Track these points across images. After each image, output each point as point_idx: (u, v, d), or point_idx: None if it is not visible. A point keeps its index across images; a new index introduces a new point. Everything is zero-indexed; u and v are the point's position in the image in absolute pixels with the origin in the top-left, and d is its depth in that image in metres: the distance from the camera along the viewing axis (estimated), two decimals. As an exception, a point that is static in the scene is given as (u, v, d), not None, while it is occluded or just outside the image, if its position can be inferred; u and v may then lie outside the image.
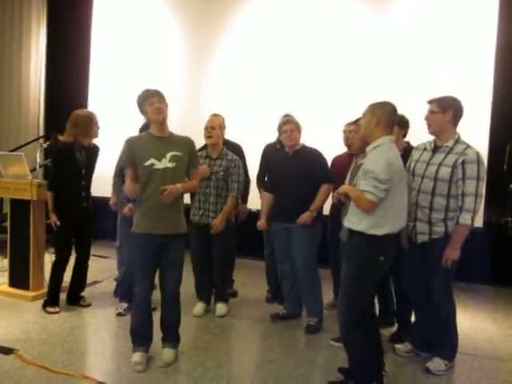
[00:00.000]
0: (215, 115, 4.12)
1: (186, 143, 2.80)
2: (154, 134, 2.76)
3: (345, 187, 2.67)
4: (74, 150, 3.58)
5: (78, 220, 3.63)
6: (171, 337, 2.89)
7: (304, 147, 3.50)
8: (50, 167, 3.72)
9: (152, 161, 2.68)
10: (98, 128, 3.71)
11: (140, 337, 2.84)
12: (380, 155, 2.44)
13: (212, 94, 5.57)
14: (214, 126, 3.64)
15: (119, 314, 3.61)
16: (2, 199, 5.49)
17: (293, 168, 3.41)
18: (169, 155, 2.71)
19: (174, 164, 2.71)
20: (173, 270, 2.80)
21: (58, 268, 3.61)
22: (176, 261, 2.80)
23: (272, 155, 3.97)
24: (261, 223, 3.65)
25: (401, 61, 4.88)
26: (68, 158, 3.56)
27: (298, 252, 3.43)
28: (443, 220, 2.76)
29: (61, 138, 3.71)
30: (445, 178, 2.73)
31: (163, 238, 2.72)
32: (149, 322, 2.86)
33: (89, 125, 3.61)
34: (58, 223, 3.55)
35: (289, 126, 3.43)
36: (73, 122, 3.58)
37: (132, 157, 2.72)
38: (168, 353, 2.85)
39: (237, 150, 4.08)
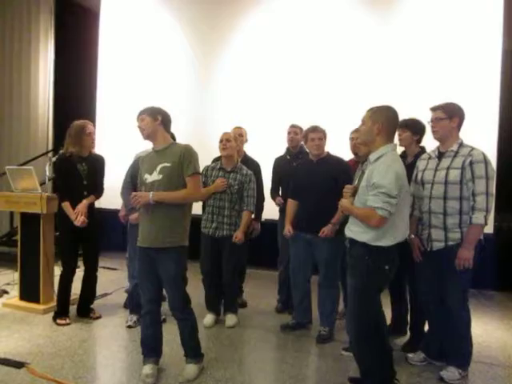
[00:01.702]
0: (238, 127, 4.16)
1: (178, 153, 2.68)
2: (154, 149, 2.79)
3: (346, 207, 2.55)
4: (75, 161, 3.57)
5: (82, 230, 3.59)
6: (189, 352, 2.86)
7: (329, 155, 3.47)
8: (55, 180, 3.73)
9: (145, 175, 2.73)
10: (92, 140, 3.63)
11: (148, 348, 2.83)
12: (387, 168, 2.38)
13: (220, 107, 5.59)
14: (229, 139, 3.64)
15: (129, 327, 3.61)
16: (12, 213, 5.54)
17: (317, 176, 3.37)
18: (159, 167, 2.68)
19: (161, 176, 2.66)
20: (168, 285, 2.72)
21: (65, 279, 3.61)
22: (169, 276, 2.68)
23: (283, 167, 3.98)
24: (287, 230, 3.55)
25: (408, 67, 4.88)
26: (69, 169, 3.56)
27: (322, 265, 3.40)
28: (459, 225, 2.74)
29: (61, 150, 3.71)
30: (455, 181, 2.72)
31: (152, 251, 2.68)
32: (155, 334, 2.83)
33: (80, 135, 3.56)
34: (86, 220, 3.54)
35: (317, 134, 3.39)
36: (68, 133, 3.62)
37: (136, 172, 2.81)
38: (188, 368, 2.82)
39: (255, 167, 4.08)
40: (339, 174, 3.32)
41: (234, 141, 3.67)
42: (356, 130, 3.63)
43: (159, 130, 2.74)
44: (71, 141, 3.58)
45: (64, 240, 3.63)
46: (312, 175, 3.41)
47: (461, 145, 2.80)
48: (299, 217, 3.49)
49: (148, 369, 2.76)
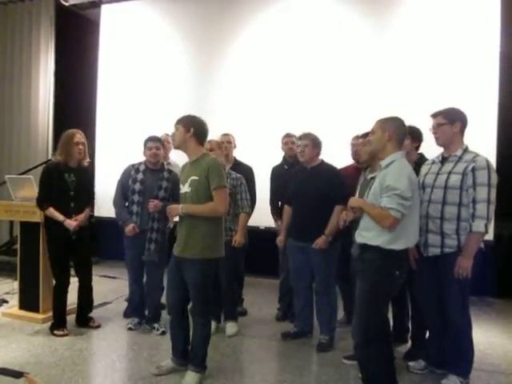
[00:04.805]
0: (226, 135, 4.17)
1: (204, 165, 2.74)
2: (189, 160, 2.87)
3: (358, 202, 2.62)
4: (62, 170, 3.49)
5: (70, 242, 3.54)
6: (193, 358, 2.86)
7: (322, 163, 3.47)
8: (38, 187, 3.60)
9: (181, 186, 2.84)
10: (79, 150, 3.51)
11: (173, 347, 2.98)
12: (400, 172, 2.45)
13: (218, 115, 5.57)
14: (212, 148, 3.60)
15: (129, 329, 3.67)
16: (12, 222, 5.53)
17: (309, 184, 3.38)
18: (189, 180, 2.76)
19: (190, 188, 2.75)
20: (192, 291, 2.82)
21: (58, 291, 3.57)
22: (193, 284, 2.79)
23: (280, 175, 4.00)
24: (280, 240, 3.61)
25: (405, 74, 4.89)
26: (55, 179, 3.48)
27: (317, 272, 3.40)
28: (456, 231, 2.71)
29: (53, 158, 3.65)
30: (455, 186, 2.70)
31: (178, 259, 2.82)
32: (176, 336, 2.95)
33: (68, 144, 3.49)
34: (75, 224, 3.47)
35: (304, 141, 3.41)
36: (59, 141, 3.58)
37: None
38: (188, 376, 2.82)
39: (248, 171, 4.10)
40: (329, 183, 3.33)
41: (217, 149, 3.62)
42: (357, 137, 3.65)
43: (191, 141, 2.78)
44: (59, 148, 3.54)
45: (54, 253, 3.56)
46: (305, 183, 3.42)
47: (465, 150, 2.77)
48: (293, 225, 3.51)
49: (164, 363, 2.96)
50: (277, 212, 4.10)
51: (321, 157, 3.53)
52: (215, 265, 2.86)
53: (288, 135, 4.14)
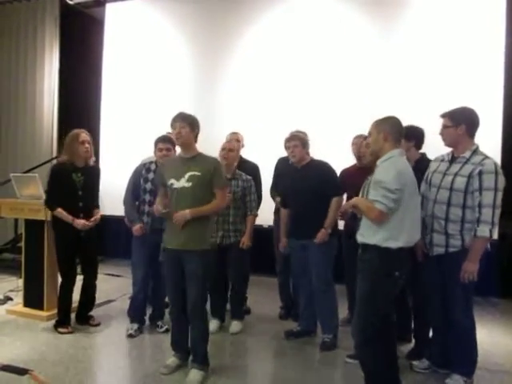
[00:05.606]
0: (235, 133, 4.18)
1: (208, 164, 2.86)
2: (181, 155, 2.93)
3: (354, 200, 2.64)
4: (70, 170, 3.51)
5: (78, 241, 3.56)
6: (195, 356, 2.89)
7: (312, 161, 3.49)
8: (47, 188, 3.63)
9: (172, 180, 2.85)
10: (86, 148, 3.52)
11: (173, 343, 3.02)
12: (389, 166, 2.46)
13: (225, 112, 5.60)
14: (232, 149, 3.67)
15: (130, 336, 3.52)
16: (16, 220, 5.56)
17: (302, 182, 3.40)
18: (187, 175, 2.81)
19: (191, 183, 2.79)
20: (190, 285, 2.84)
21: (65, 289, 3.58)
22: (192, 276, 2.82)
23: (282, 169, 4.00)
24: (282, 244, 3.61)
25: (411, 75, 4.88)
26: (63, 179, 3.50)
27: (314, 268, 3.40)
28: (460, 232, 2.71)
29: (59, 159, 3.67)
30: (460, 189, 2.69)
31: (179, 252, 2.83)
32: (179, 331, 2.98)
33: (73, 143, 3.50)
34: (83, 223, 3.50)
35: (292, 142, 3.44)
36: (64, 142, 3.58)
37: (161, 176, 2.94)
38: (192, 373, 2.83)
39: (254, 169, 4.10)
40: (322, 178, 3.36)
41: (236, 151, 3.71)
42: (359, 136, 3.64)
43: (193, 140, 2.92)
44: (65, 149, 3.55)
45: (62, 252, 3.57)
46: (296, 182, 3.44)
47: (474, 152, 2.74)
48: (291, 224, 3.53)
49: (170, 361, 2.97)
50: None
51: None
52: (213, 256, 2.96)
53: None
